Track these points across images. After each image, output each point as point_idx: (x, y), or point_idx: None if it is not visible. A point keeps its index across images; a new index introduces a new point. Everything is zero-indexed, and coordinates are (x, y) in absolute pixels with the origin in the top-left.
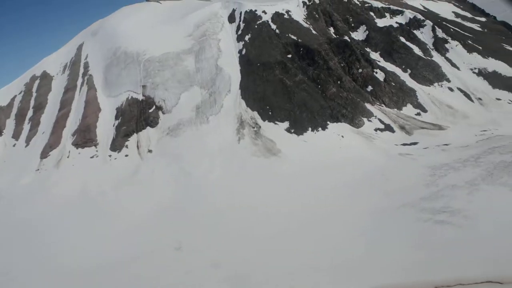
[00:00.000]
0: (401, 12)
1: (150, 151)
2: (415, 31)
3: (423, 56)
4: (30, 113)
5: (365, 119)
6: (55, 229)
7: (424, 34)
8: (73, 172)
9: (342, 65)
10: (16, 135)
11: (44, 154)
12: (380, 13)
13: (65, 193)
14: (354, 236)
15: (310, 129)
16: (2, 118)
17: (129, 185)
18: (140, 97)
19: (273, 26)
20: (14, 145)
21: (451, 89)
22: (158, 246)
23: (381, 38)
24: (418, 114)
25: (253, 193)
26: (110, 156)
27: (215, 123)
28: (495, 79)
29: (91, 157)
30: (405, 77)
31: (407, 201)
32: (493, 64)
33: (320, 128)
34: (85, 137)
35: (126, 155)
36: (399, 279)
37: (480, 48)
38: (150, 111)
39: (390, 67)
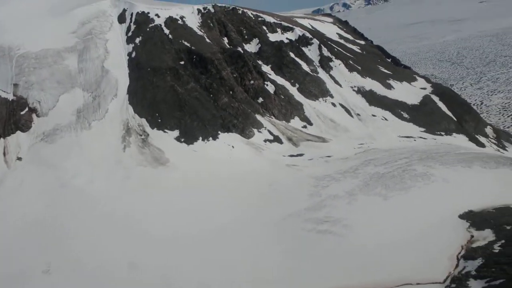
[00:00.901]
0: (291, 29)
1: (19, 158)
2: (303, 48)
3: (310, 72)
4: None
5: (255, 130)
6: None
7: (312, 52)
8: None
9: (235, 75)
10: None
11: None
12: (272, 28)
13: None
14: (242, 248)
15: (200, 138)
16: None
17: None
18: (10, 97)
19: (166, 31)
20: None
21: (334, 105)
22: (22, 268)
23: (272, 52)
24: (305, 126)
25: (137, 206)
26: None
27: (98, 129)
28: (371, 97)
29: None
30: (293, 91)
31: (293, 211)
32: (370, 83)
33: (211, 138)
34: None
35: None
36: None
37: (360, 68)
38: (22, 113)
39: (280, 80)
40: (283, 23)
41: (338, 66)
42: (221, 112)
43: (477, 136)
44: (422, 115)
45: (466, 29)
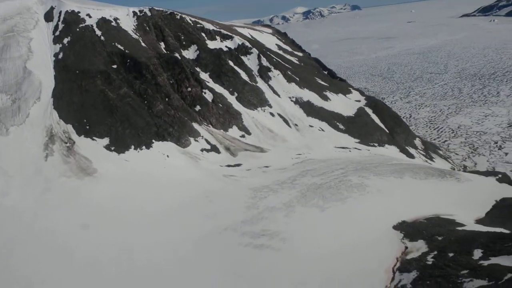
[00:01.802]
0: (231, 38)
1: None
2: (242, 57)
3: (249, 82)
4: None
5: (192, 139)
6: None
7: (251, 61)
8: None
9: (171, 82)
10: None
11: None
12: (212, 35)
13: None
14: (173, 269)
15: (133, 147)
16: None
17: None
18: None
19: (98, 32)
20: None
21: (272, 114)
22: None
23: (211, 59)
24: (243, 136)
25: (57, 221)
26: None
27: (17, 135)
28: (308, 108)
29: None
30: (232, 99)
31: (229, 224)
32: (308, 95)
33: (144, 147)
34: None
35: None
36: None
37: (298, 79)
38: None
39: (218, 88)
40: (222, 31)
41: (277, 76)
42: (156, 120)
43: (407, 148)
44: (356, 126)
45: (396, 47)
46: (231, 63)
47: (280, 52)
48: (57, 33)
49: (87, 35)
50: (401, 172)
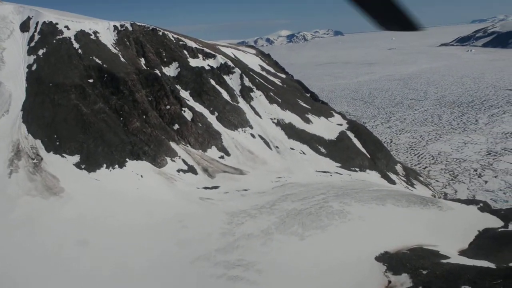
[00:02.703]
0: (213, 56)
1: None
2: (225, 76)
3: (231, 101)
4: None
5: (168, 159)
6: None
7: (233, 81)
8: None
9: (150, 99)
10: None
11: None
12: (194, 53)
13: None
14: None
15: (105, 165)
16: None
17: None
18: None
19: (76, 45)
20: None
21: (253, 136)
22: None
23: (192, 77)
24: (222, 157)
25: (18, 245)
26: None
27: None
28: (290, 130)
29: None
30: (212, 119)
31: (203, 253)
32: (289, 117)
33: (117, 165)
34: None
35: None
36: None
37: (280, 100)
38: None
39: (198, 107)
40: (205, 49)
41: (259, 97)
42: (131, 138)
43: (388, 173)
44: (338, 150)
45: (377, 72)
46: (212, 82)
47: (263, 73)
48: (33, 44)
49: (63, 48)
50: (383, 199)
